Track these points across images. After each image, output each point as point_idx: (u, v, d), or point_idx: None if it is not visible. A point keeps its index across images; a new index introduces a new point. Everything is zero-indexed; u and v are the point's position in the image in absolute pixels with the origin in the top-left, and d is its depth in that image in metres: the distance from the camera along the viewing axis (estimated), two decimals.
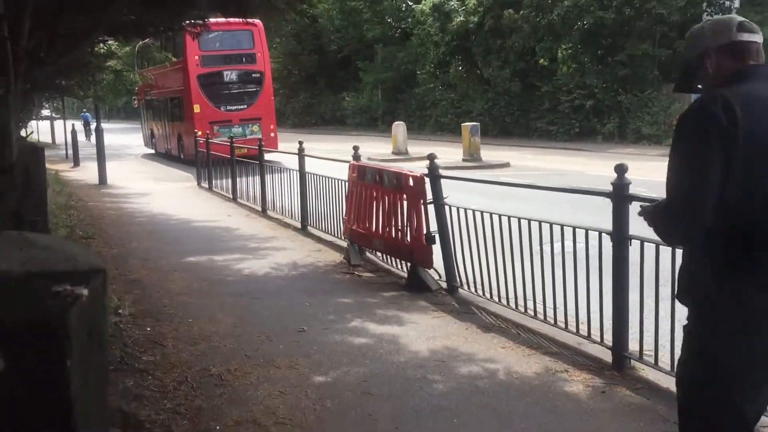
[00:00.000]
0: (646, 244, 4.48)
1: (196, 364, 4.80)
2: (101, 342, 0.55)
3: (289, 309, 6.16)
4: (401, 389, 4.38)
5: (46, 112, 32.35)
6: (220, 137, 16.92)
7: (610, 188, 4.59)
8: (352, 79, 42.82)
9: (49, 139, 33.77)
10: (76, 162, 21.63)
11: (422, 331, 5.49)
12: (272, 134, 20.21)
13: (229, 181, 13.65)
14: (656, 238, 3.78)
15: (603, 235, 4.81)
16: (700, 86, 2.52)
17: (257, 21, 18.38)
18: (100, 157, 16.88)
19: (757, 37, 2.43)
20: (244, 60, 20.93)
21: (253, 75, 21.12)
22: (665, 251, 4.37)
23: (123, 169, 20.13)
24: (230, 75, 20.64)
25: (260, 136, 17.54)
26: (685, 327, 2.44)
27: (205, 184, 15.50)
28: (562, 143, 25.15)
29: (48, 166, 20.24)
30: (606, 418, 3.93)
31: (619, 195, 4.49)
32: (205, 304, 6.32)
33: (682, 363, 2.45)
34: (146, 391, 4.28)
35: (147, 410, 3.98)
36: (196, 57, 19.49)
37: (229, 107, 20.26)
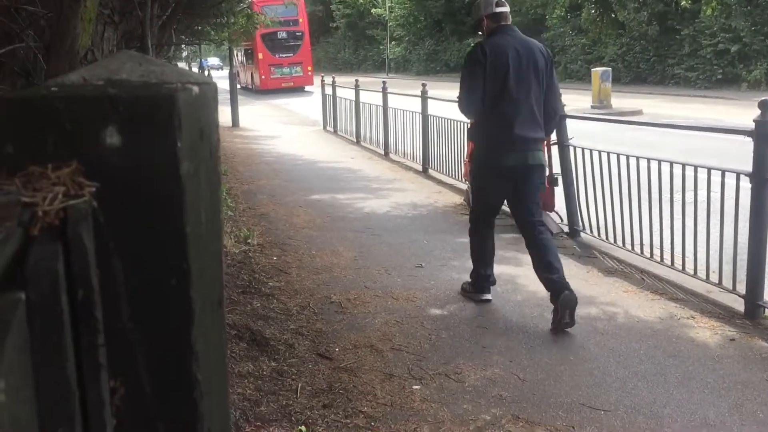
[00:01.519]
0: None
1: (317, 292, 5.00)
2: (212, 150, 0.58)
3: (407, 246, 6.25)
4: (517, 325, 4.37)
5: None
6: (274, 74, 29.53)
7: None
8: None
9: None
10: None
11: None
12: (309, 72, 30.68)
13: (353, 124, 13.87)
14: None
15: (741, 177, 4.51)
16: (480, 33, 4.63)
17: None
18: (233, 101, 17.61)
19: (506, 9, 4.52)
20: (290, 24, 29.76)
21: (297, 34, 30.54)
22: None
23: (254, 113, 20.91)
24: (282, 33, 29.91)
25: (301, 74, 29.58)
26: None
27: (330, 128, 15.83)
28: (702, 91, 23.54)
29: None
30: (734, 365, 3.75)
31: (762, 133, 4.18)
32: (327, 238, 6.54)
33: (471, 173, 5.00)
34: (272, 313, 4.51)
35: (272, 329, 4.21)
36: None
37: (281, 55, 30.07)
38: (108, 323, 0.49)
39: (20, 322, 0.35)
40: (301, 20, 30.68)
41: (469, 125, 4.80)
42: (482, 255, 4.75)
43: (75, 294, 0.41)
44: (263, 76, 29.97)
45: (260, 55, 29.83)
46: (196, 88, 0.53)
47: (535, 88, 4.34)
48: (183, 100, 0.50)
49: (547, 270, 4.31)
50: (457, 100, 4.53)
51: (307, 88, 29.89)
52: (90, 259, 0.43)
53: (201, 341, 0.53)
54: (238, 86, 33.07)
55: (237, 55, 35.63)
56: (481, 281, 4.77)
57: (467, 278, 5.31)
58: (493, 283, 4.81)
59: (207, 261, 0.57)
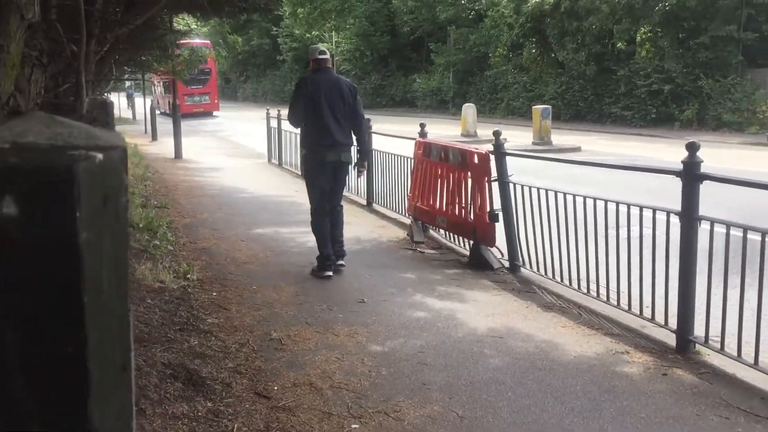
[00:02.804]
0: (716, 225, 4.34)
1: (257, 329, 4.94)
2: (119, 215, 0.58)
3: (350, 281, 6.24)
4: (457, 362, 4.39)
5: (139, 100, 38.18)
6: (187, 102, 35.13)
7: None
8: (423, 61, 42.63)
9: (130, 116, 35.34)
10: (154, 137, 22.39)
11: (482, 308, 5.48)
12: (216, 101, 39.30)
13: (299, 157, 13.84)
14: (728, 219, 3.96)
15: (671, 216, 4.67)
16: (308, 68, 6.52)
17: (208, 41, 37.81)
18: (177, 133, 17.41)
19: (326, 56, 6.40)
20: (201, 62, 35.34)
21: (206, 70, 36.22)
22: (737, 233, 4.23)
23: (198, 145, 20.70)
24: (194, 70, 33.97)
25: (209, 102, 38.03)
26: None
27: (276, 161, 15.77)
28: (637, 129, 24.40)
29: (128, 140, 21.00)
30: (665, 399, 3.84)
31: (690, 173, 4.35)
32: (269, 273, 6.47)
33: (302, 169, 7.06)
34: (209, 351, 4.42)
35: (209, 368, 4.12)
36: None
37: (192, 87, 36.49)
38: (1, 393, 0.48)
39: None
40: (209, 59, 38.66)
41: (300, 135, 6.77)
42: (324, 238, 6.45)
43: None
44: (179, 104, 36.04)
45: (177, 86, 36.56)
46: (100, 156, 0.52)
47: (341, 109, 6.33)
48: (84, 170, 0.49)
49: (336, 241, 6.56)
50: (287, 115, 6.58)
51: (214, 113, 38.59)
52: None
53: (99, 410, 0.52)
54: (158, 111, 36.11)
55: (158, 86, 40.61)
56: (324, 260, 6.41)
57: (410, 313, 5.35)
58: (333, 262, 6.47)
59: (109, 327, 0.56)
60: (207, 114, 37.83)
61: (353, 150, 6.71)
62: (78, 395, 0.50)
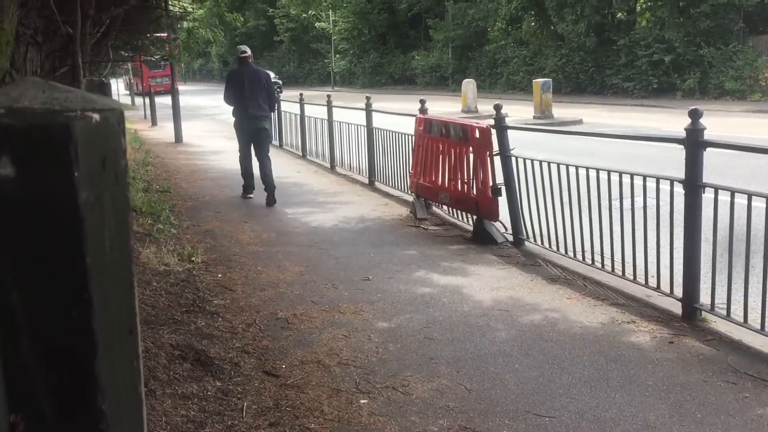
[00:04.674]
0: (720, 192, 4.32)
1: (263, 309, 4.95)
2: (119, 177, 0.57)
3: (354, 259, 6.25)
4: (463, 335, 4.41)
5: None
6: (152, 83, 38.40)
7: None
8: (422, 37, 42.34)
9: (129, 101, 35.29)
10: (154, 122, 22.33)
11: (487, 282, 5.49)
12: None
13: (299, 138, 13.81)
14: (732, 186, 3.93)
15: (675, 183, 4.65)
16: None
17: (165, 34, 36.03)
18: (176, 117, 17.35)
19: (247, 54, 9.22)
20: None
21: (165, 57, 37.32)
22: (741, 199, 4.21)
23: (198, 129, 20.63)
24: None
25: (169, 82, 37.44)
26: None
27: (276, 143, 15.70)
28: (639, 100, 24.27)
29: (128, 125, 21.00)
30: (673, 367, 3.85)
31: (693, 141, 4.33)
32: (273, 254, 6.48)
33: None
34: (216, 332, 4.44)
35: (217, 348, 4.14)
36: None
37: (155, 70, 41.65)
38: (7, 357, 0.48)
39: None
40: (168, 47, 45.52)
41: (232, 111, 9.15)
42: (248, 174, 9.33)
43: None
44: (146, 84, 40.66)
45: (144, 69, 40.85)
46: (96, 116, 0.51)
47: (258, 92, 8.87)
48: (81, 129, 0.49)
49: (266, 182, 8.89)
50: (223, 97, 9.15)
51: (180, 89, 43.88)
52: None
53: (107, 372, 0.52)
54: (133, 90, 41.28)
55: (129, 71, 44.90)
56: (248, 187, 9.36)
57: (416, 289, 5.36)
58: (253, 188, 9.31)
59: (114, 290, 0.55)
60: (168, 92, 44.10)
61: (272, 118, 10.04)
62: (85, 356, 0.50)
